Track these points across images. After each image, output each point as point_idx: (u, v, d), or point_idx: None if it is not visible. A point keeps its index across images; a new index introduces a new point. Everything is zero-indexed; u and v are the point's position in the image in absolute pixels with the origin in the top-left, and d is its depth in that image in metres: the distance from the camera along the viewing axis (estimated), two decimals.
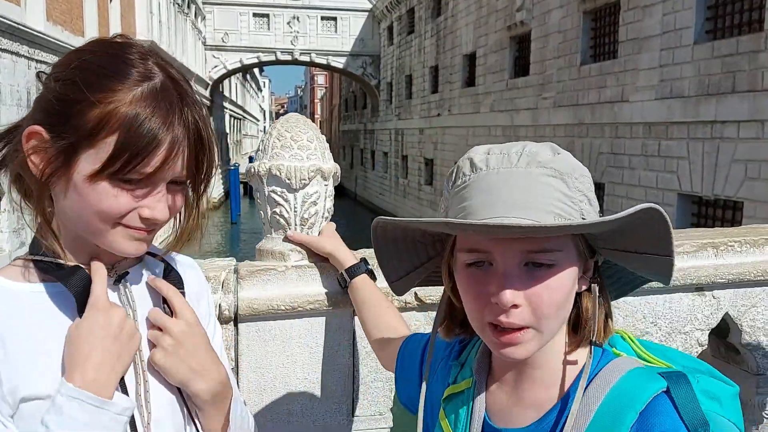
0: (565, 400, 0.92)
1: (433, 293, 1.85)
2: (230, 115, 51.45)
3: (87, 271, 0.99)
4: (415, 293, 1.86)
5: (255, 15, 38.70)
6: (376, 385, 1.90)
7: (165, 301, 1.08)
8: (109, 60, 0.95)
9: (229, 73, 40.17)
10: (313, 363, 1.84)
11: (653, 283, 2.05)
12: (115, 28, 18.47)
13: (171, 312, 1.06)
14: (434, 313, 1.32)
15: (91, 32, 16.19)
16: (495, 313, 0.87)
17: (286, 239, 1.81)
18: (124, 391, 0.97)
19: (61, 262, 0.98)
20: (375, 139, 38.94)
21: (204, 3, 36.99)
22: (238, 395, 1.17)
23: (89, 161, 0.91)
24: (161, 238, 1.15)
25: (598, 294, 0.94)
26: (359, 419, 1.90)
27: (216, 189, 37.23)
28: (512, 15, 18.73)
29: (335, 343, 1.84)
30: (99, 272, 0.99)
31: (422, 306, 1.88)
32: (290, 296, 1.76)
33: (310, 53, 39.28)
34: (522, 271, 0.87)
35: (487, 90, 20.88)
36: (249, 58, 38.84)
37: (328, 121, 69.70)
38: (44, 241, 0.98)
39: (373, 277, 1.64)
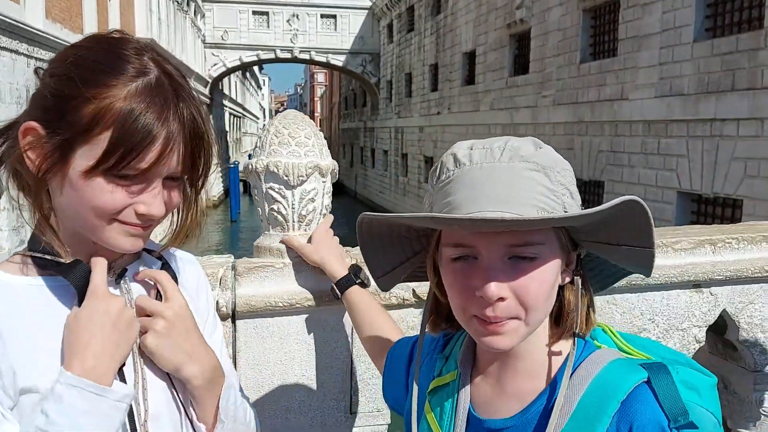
0: (548, 390, 0.94)
1: None
2: (230, 113, 51.42)
3: (87, 265, 0.99)
4: (413, 290, 1.86)
5: (254, 13, 38.66)
6: (374, 382, 1.90)
7: (159, 295, 1.08)
8: (104, 56, 0.95)
9: (229, 71, 40.13)
10: (311, 360, 1.84)
11: (651, 280, 2.06)
12: (114, 26, 18.44)
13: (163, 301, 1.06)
14: None
15: (90, 30, 16.13)
16: (481, 306, 0.89)
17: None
18: (124, 382, 0.97)
19: (61, 260, 0.98)
20: (375, 137, 38.93)
21: (203, 1, 36.94)
22: (234, 383, 1.16)
23: (84, 157, 0.91)
24: (161, 235, 1.15)
25: (580, 286, 0.96)
26: (357, 416, 1.91)
27: (216, 187, 37.22)
28: (512, 13, 18.71)
29: (333, 340, 1.84)
30: (99, 263, 1.00)
31: (420, 302, 1.88)
32: (288, 293, 1.76)
33: (309, 51, 39.24)
34: (506, 265, 0.89)
35: (486, 88, 20.88)
36: (248, 56, 38.81)
37: (328, 119, 69.69)
38: (43, 237, 0.98)
39: (367, 283, 1.61)
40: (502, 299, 0.88)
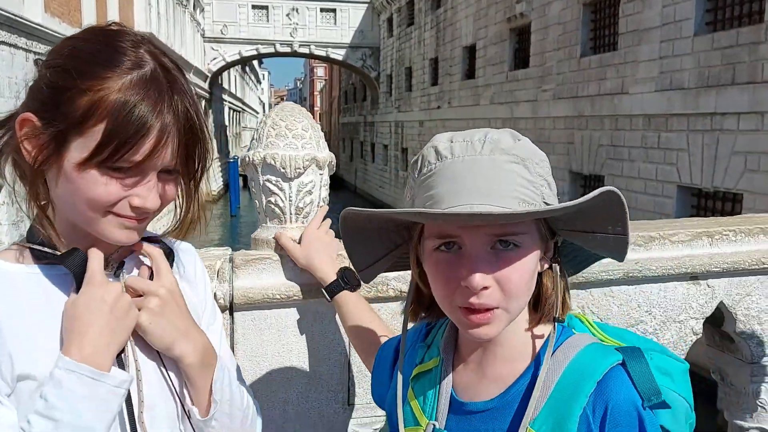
0: (527, 373, 0.98)
1: None
2: (229, 108, 51.35)
3: (84, 253, 1.00)
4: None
5: (254, 7, 38.57)
6: None
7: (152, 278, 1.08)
8: (101, 48, 0.96)
9: (228, 66, 40.07)
10: (309, 351, 1.85)
11: (648, 272, 2.07)
12: (113, 20, 18.37)
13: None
14: None
15: (89, 24, 16.12)
16: (465, 296, 0.91)
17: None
18: (122, 368, 0.98)
19: (58, 253, 0.99)
20: (375, 132, 38.88)
21: None
22: (228, 365, 1.16)
23: (79, 149, 0.91)
24: (161, 231, 1.16)
25: (558, 272, 1.00)
26: (355, 407, 1.92)
27: (215, 182, 37.21)
28: (512, 6, 18.66)
29: (330, 332, 1.85)
30: (95, 251, 1.00)
31: None
32: (285, 285, 1.77)
33: (309, 45, 39.17)
34: (490, 254, 0.92)
35: (486, 82, 20.84)
36: (248, 50, 38.74)
37: (328, 113, 69.57)
38: (42, 230, 0.99)
39: (357, 284, 1.59)
40: (485, 288, 0.90)
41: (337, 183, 42.41)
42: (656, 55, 12.31)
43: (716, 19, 11.24)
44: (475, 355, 1.04)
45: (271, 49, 39.16)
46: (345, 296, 1.57)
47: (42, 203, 0.99)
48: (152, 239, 1.13)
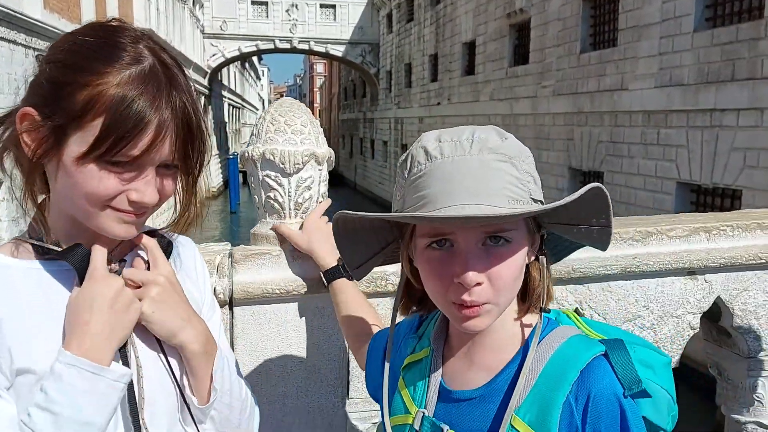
0: (514, 362, 1.02)
1: None
2: (229, 104, 51.27)
3: (87, 248, 1.01)
4: None
5: (253, 3, 38.47)
6: None
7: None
8: (100, 43, 0.96)
9: (228, 62, 39.99)
10: (308, 346, 1.86)
11: (645, 267, 2.08)
12: (112, 16, 18.34)
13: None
14: None
15: (89, 20, 16.10)
16: (458, 292, 0.94)
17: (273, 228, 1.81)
18: (125, 363, 0.98)
19: (60, 249, 1.00)
20: (374, 128, 38.84)
21: None
22: (226, 354, 1.17)
23: (77, 143, 0.92)
24: (161, 227, 1.17)
25: (545, 264, 1.04)
26: (353, 401, 1.93)
27: (215, 178, 37.18)
28: (512, 2, 18.63)
29: (329, 327, 1.86)
30: (99, 247, 1.01)
31: None
32: (285, 280, 1.78)
33: (308, 41, 39.09)
34: (481, 251, 0.95)
35: (486, 78, 20.81)
36: (247, 47, 38.65)
37: (327, 109, 69.47)
38: (41, 227, 1.00)
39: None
40: (478, 284, 0.94)
41: (336, 180, 42.34)
42: (656, 51, 12.30)
43: (716, 15, 11.22)
44: (464, 344, 1.07)
45: (271, 46, 39.07)
46: (343, 283, 1.60)
47: (40, 201, 1.00)
48: (150, 233, 1.13)
